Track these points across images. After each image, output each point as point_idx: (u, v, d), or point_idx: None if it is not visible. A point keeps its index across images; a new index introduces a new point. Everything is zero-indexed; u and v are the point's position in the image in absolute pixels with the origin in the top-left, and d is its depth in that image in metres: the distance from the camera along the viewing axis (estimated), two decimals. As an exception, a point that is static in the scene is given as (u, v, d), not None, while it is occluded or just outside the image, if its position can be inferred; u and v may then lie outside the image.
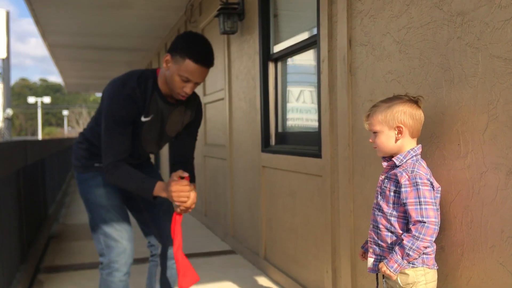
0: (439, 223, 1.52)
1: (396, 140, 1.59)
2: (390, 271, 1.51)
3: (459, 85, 1.60)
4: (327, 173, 2.55)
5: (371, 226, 1.67)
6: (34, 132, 59.11)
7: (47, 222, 5.02)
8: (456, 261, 1.63)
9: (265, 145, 3.55)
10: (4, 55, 17.65)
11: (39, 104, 47.87)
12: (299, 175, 2.97)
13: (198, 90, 5.63)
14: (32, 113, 59.57)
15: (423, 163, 1.59)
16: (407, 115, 1.58)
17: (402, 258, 1.49)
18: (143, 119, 2.01)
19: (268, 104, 3.54)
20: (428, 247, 1.51)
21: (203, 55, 1.94)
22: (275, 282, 3.31)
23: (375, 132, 1.64)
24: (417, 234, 1.48)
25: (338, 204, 2.46)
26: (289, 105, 3.46)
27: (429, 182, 1.53)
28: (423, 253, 1.53)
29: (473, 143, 1.54)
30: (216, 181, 4.99)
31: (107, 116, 1.96)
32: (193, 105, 2.22)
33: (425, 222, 1.48)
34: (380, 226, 1.61)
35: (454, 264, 1.64)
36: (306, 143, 3.00)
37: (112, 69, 11.35)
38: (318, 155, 2.67)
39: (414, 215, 1.50)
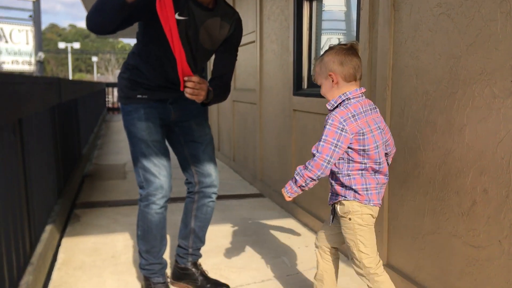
0: (330, 164, 1.61)
1: (333, 86, 1.69)
2: (284, 191, 1.72)
3: (517, 17, 1.48)
4: (363, 115, 2.48)
5: None
6: (65, 78, 59.93)
7: (81, 161, 5.15)
8: (499, 203, 1.58)
9: (297, 88, 3.47)
10: (34, -2, 17.63)
11: (69, 49, 48.29)
12: (332, 118, 2.91)
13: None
14: (63, 58, 60.30)
15: (352, 106, 1.64)
16: (335, 63, 1.67)
17: (291, 181, 1.68)
18: (177, 16, 1.88)
19: (302, 46, 3.44)
20: (313, 179, 1.63)
21: None
22: (303, 223, 3.34)
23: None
24: (307, 164, 1.63)
25: (373, 147, 2.41)
26: (323, 46, 3.35)
27: (341, 125, 1.60)
28: (352, 190, 1.67)
29: (528, 79, 1.45)
30: (245, 125, 4.98)
31: None
32: (231, 19, 2.10)
33: (315, 156, 1.61)
34: None
35: (497, 206, 1.60)
36: (341, 86, 2.92)
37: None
38: (354, 96, 2.59)
39: (313, 147, 1.64)
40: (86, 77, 64.02)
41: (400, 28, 2.15)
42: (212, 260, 2.64)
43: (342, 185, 1.70)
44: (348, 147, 1.64)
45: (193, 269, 2.30)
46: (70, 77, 49.50)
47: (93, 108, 8.77)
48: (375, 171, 1.69)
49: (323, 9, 3.31)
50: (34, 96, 2.44)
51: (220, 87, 2.10)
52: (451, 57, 1.84)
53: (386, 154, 1.78)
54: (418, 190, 2.07)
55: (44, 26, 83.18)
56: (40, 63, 17.58)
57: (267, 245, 2.88)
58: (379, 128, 1.70)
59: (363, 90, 1.70)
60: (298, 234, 3.11)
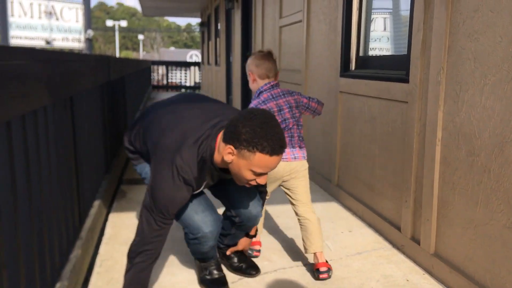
0: None
1: (252, 82, 2.31)
2: None
3: None
4: (414, 99, 2.38)
5: None
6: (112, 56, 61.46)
7: (127, 138, 5.26)
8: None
9: (344, 70, 3.38)
10: (84, -23, 18.02)
11: (116, 27, 49.32)
12: (380, 101, 2.83)
13: (274, 12, 5.43)
14: (110, 36, 61.74)
15: (262, 96, 2.24)
16: (253, 65, 2.29)
17: None
18: (194, 192, 1.80)
19: (350, 26, 3.33)
20: None
21: (278, 143, 1.58)
22: (347, 207, 3.29)
23: None
24: None
25: (424, 133, 2.32)
26: (373, 27, 3.24)
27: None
28: None
29: None
30: (289, 106, 4.92)
31: (153, 203, 1.69)
32: None
33: None
34: None
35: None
36: (391, 68, 2.82)
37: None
38: (405, 79, 2.49)
39: None
40: (132, 54, 65.50)
41: (458, 8, 2.03)
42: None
43: None
44: None
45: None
46: (117, 55, 50.75)
47: (139, 86, 8.93)
48: None
49: (374, -13, 3.19)
50: (84, 74, 2.49)
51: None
52: (514, 39, 1.73)
53: (313, 111, 2.38)
54: (472, 178, 1.98)
55: (93, 4, 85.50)
56: (89, 41, 18.07)
57: (309, 228, 2.86)
58: (290, 107, 2.26)
59: (274, 82, 2.28)
60: (341, 219, 3.07)
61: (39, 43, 18.21)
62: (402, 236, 2.51)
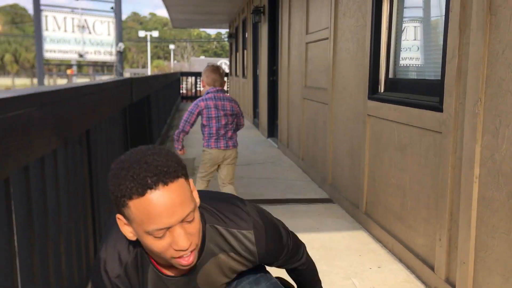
0: (185, 128, 3.33)
1: (202, 86, 3.37)
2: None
3: None
4: (449, 129, 2.22)
5: None
6: (145, 65, 62.95)
7: (152, 156, 5.22)
8: None
9: (373, 92, 3.23)
10: (116, -10, 18.40)
11: (148, 38, 50.30)
12: (411, 129, 2.66)
13: (300, 27, 5.30)
14: (143, 46, 63.05)
15: (206, 97, 3.29)
16: (204, 75, 3.34)
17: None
18: None
19: (380, 46, 3.18)
20: (179, 132, 3.35)
21: (149, 172, 1.02)
22: (376, 238, 3.12)
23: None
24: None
25: (460, 167, 2.14)
26: (404, 49, 3.07)
27: (197, 103, 3.28)
28: (204, 139, 3.37)
29: None
30: (315, 125, 4.78)
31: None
32: (235, 248, 1.28)
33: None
34: None
35: None
36: (423, 93, 2.65)
37: (215, 5, 11.31)
38: (438, 108, 2.33)
39: None
40: (163, 63, 66.71)
41: (497, 36, 1.86)
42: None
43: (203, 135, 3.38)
44: (202, 115, 3.27)
45: None
46: (149, 64, 51.81)
47: (167, 100, 8.95)
48: (217, 129, 3.26)
49: (404, 7, 3.03)
50: (103, 104, 2.43)
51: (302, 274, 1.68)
52: (562, 72, 1.55)
53: (237, 124, 3.41)
54: (513, 223, 1.80)
55: (126, 15, 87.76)
56: (120, 53, 18.37)
57: (335, 263, 2.71)
58: (224, 110, 3.27)
59: (218, 88, 3.32)
60: (370, 251, 2.91)
61: (73, 56, 18.66)
62: (436, 277, 2.33)
